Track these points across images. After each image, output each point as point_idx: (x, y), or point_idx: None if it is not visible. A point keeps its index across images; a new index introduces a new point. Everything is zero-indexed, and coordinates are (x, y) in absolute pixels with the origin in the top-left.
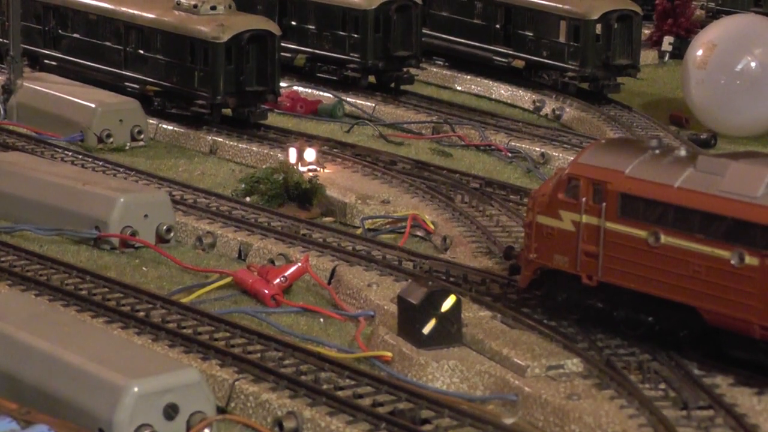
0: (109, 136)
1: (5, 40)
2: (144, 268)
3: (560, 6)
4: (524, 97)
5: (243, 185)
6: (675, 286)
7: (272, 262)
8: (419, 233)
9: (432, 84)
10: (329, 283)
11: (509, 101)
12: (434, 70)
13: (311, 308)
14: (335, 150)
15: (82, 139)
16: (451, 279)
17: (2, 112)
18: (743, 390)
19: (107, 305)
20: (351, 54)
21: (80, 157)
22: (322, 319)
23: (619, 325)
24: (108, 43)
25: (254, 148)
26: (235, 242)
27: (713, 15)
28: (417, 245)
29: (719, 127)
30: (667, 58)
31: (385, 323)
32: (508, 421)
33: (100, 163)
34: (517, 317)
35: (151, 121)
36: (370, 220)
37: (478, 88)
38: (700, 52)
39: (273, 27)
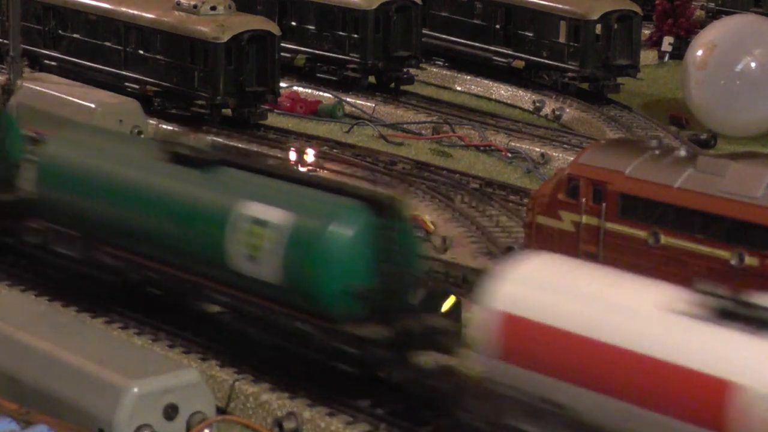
0: None
1: (5, 40)
2: None
3: (560, 6)
4: (524, 98)
5: None
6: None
7: None
8: (419, 233)
9: (432, 84)
10: None
11: (509, 101)
12: (434, 70)
13: None
14: (335, 150)
15: None
16: (451, 279)
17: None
18: None
19: (107, 305)
20: (351, 54)
21: None
22: None
23: None
24: (108, 44)
25: (254, 148)
26: None
27: (713, 15)
28: None
29: (719, 127)
30: (667, 58)
31: None
32: None
33: None
34: None
35: (151, 121)
36: None
37: (478, 89)
38: (700, 53)
39: (273, 27)
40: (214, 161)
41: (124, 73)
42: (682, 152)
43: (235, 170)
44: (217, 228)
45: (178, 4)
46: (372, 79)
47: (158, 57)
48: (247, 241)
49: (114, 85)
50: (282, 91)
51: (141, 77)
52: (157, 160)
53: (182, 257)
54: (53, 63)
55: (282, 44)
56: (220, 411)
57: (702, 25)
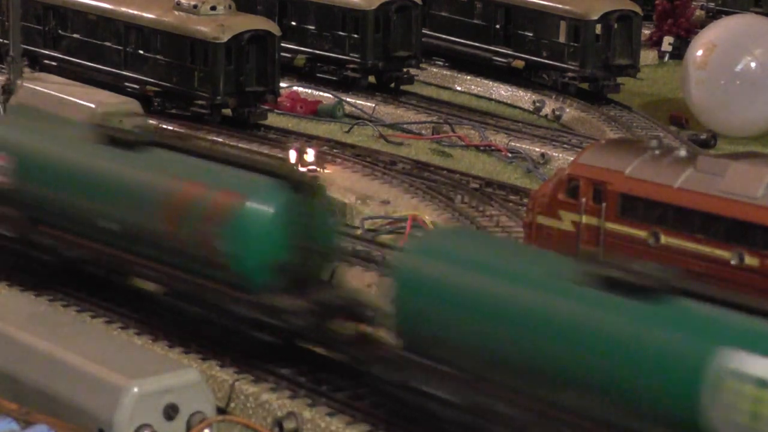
0: None
1: (5, 40)
2: None
3: (560, 6)
4: (524, 98)
5: None
6: None
7: None
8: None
9: (432, 84)
10: None
11: (509, 101)
12: (434, 70)
13: None
14: (335, 150)
15: None
16: None
17: (2, 112)
18: None
19: (107, 305)
20: (351, 54)
21: None
22: None
23: None
24: (108, 44)
25: (254, 148)
26: None
27: (713, 15)
28: None
29: (719, 127)
30: (667, 58)
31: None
32: None
33: None
34: None
35: (151, 121)
36: (370, 221)
37: (478, 89)
38: (700, 52)
39: (273, 27)
40: (662, 290)
41: (124, 73)
42: (682, 152)
43: (694, 302)
44: (686, 381)
45: (178, 4)
46: (372, 79)
47: (158, 57)
48: (742, 406)
49: (114, 85)
50: (282, 91)
51: (141, 77)
52: (581, 285)
53: (624, 412)
54: (53, 63)
55: (282, 44)
56: (220, 411)
57: (702, 25)
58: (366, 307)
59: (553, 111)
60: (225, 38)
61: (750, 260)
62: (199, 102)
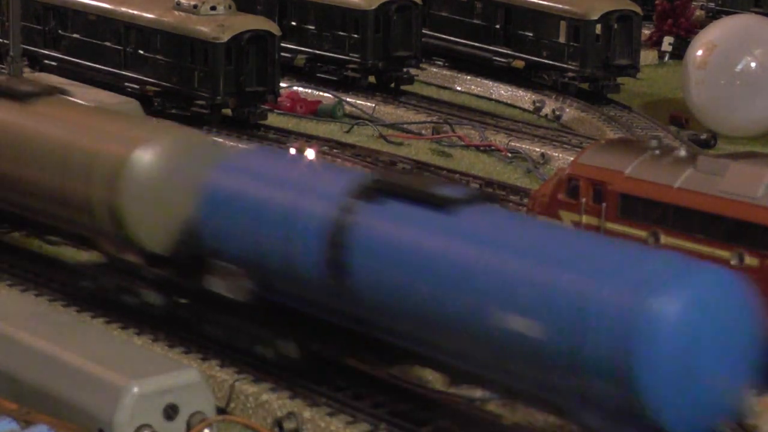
0: None
1: (5, 40)
2: None
3: (560, 6)
4: (524, 98)
5: None
6: None
7: None
8: None
9: (432, 84)
10: None
11: (509, 101)
12: (434, 70)
13: None
14: (335, 150)
15: None
16: None
17: None
18: None
19: (107, 305)
20: (351, 54)
21: None
22: None
23: None
24: (108, 44)
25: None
26: None
27: (713, 15)
28: None
29: (719, 127)
30: (667, 58)
31: None
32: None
33: None
34: None
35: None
36: None
37: (478, 89)
38: (700, 52)
39: (273, 27)
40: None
41: (124, 73)
42: (682, 152)
43: None
44: None
45: (178, 4)
46: (372, 79)
47: (158, 57)
48: None
49: (114, 85)
50: (282, 91)
51: (141, 77)
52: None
53: None
54: (53, 63)
55: (282, 44)
56: (220, 411)
57: (702, 25)
58: None
59: (553, 111)
60: (225, 38)
61: (750, 260)
62: (199, 102)
